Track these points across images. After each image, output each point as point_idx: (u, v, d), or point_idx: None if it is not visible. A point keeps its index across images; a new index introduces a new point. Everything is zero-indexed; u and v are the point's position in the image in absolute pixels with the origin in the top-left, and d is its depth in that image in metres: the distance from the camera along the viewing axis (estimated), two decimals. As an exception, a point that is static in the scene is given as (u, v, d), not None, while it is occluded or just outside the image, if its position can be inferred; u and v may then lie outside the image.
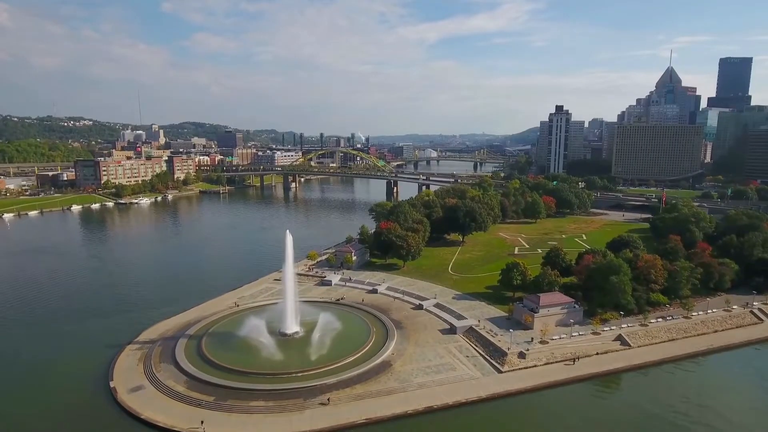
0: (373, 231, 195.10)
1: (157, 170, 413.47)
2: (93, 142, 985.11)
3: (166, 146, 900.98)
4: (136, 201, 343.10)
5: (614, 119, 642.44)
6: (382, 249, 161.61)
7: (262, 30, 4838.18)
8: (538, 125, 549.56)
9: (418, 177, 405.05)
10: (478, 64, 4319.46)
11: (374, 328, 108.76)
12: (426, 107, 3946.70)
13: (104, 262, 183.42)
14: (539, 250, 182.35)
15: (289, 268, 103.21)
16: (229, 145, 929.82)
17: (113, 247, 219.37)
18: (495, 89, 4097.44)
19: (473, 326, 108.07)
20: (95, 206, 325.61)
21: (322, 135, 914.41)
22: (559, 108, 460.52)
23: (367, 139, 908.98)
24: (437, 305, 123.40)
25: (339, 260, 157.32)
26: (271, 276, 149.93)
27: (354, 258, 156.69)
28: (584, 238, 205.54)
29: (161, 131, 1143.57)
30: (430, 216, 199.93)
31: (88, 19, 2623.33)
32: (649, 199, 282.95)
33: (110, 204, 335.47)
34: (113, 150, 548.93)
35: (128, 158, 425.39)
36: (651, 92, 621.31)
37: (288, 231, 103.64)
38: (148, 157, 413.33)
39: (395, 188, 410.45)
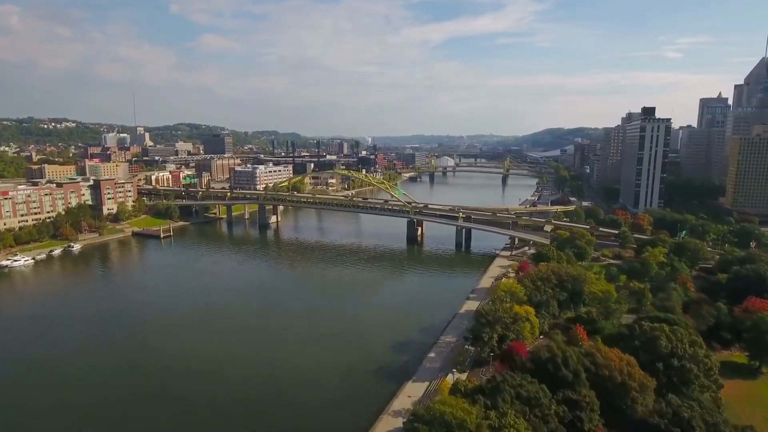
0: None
1: (74, 202, 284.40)
2: (73, 147, 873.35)
3: (143, 153, 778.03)
4: (7, 262, 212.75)
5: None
6: None
7: (267, 31, 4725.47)
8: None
9: (455, 215, 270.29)
10: (481, 65, 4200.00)
11: None
12: (430, 107, 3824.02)
13: None
14: None
15: None
16: (218, 150, 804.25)
17: None
18: (498, 89, 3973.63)
19: None
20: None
21: (318, 143, 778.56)
22: (648, 111, 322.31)
23: (374, 146, 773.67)
24: None
25: None
26: None
27: None
28: None
29: (147, 134, 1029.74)
30: None
31: (95, 20, 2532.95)
32: None
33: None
34: (45, 165, 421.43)
35: (32, 183, 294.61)
36: (739, 88, 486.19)
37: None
38: (59, 184, 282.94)
39: (420, 228, 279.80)
